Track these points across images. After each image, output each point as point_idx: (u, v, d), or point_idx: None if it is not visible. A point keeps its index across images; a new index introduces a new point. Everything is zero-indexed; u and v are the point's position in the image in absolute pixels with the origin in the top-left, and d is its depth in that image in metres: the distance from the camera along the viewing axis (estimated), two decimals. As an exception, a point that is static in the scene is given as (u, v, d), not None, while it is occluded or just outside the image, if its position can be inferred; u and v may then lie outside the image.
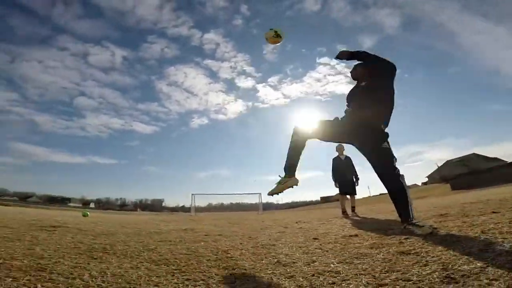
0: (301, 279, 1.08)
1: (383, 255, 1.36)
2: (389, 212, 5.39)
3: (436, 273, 0.98)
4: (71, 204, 72.49)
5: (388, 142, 2.20)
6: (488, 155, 39.89)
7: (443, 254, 1.23)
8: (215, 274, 1.21)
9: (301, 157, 2.29)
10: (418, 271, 1.03)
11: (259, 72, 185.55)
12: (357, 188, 5.71)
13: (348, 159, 5.88)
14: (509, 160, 31.35)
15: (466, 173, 30.25)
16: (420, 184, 47.34)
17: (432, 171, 45.94)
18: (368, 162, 2.26)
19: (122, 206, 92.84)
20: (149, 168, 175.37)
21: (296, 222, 4.47)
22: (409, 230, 1.91)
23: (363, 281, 0.99)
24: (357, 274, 1.07)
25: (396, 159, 2.17)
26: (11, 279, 0.98)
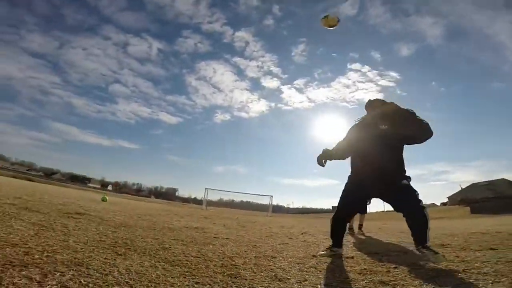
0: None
1: (365, 282, 1.51)
2: (397, 232, 5.38)
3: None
4: (91, 185, 76.37)
5: (408, 181, 2.16)
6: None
7: (424, 290, 1.36)
8: (220, 280, 1.42)
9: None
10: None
11: (285, 73, 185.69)
12: (368, 207, 5.74)
13: None
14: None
15: (490, 197, 28.81)
16: (439, 204, 45.34)
17: (454, 192, 43.99)
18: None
19: (138, 191, 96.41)
20: (168, 156, 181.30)
21: (301, 234, 4.61)
22: (422, 254, 1.93)
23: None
24: None
25: (418, 193, 2.12)
26: (59, 273, 1.20)
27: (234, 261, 1.94)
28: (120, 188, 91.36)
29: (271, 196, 21.35)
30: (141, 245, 2.10)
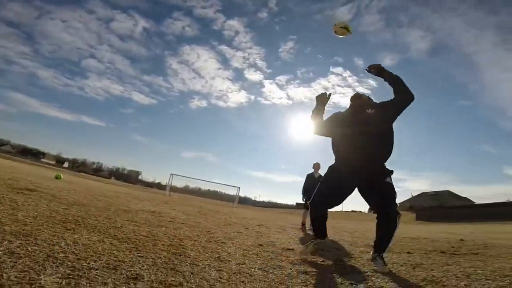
0: (224, 273, 1.44)
1: (292, 271, 1.74)
2: (343, 231, 5.87)
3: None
4: (44, 160, 70.38)
5: (391, 178, 2.11)
6: (461, 194, 42.28)
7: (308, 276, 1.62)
8: (163, 256, 1.55)
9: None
10: None
11: (270, 68, 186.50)
12: None
13: (319, 178, 6.30)
14: (476, 202, 33.57)
15: (434, 206, 32.12)
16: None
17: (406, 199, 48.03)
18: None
19: (97, 171, 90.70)
20: (135, 137, 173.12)
21: (259, 225, 4.87)
22: (374, 261, 1.99)
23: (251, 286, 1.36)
24: (252, 281, 1.44)
25: (396, 195, 2.10)
26: (6, 242, 1.24)
27: (183, 242, 2.07)
28: (78, 166, 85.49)
29: (239, 187, 21.48)
30: (92, 223, 2.13)
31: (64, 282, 0.94)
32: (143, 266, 1.30)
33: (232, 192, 22.43)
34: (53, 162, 72.89)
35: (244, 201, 53.91)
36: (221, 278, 1.36)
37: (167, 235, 2.27)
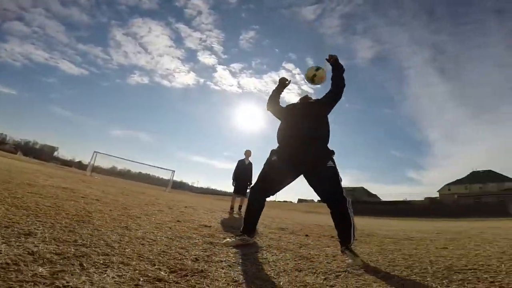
0: (126, 238, 1.59)
1: (188, 241, 1.99)
2: (271, 218, 6.27)
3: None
4: None
5: (333, 160, 2.13)
6: (371, 191, 50.06)
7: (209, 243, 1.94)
8: (65, 223, 1.61)
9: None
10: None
11: (226, 54, 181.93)
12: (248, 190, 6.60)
13: (250, 164, 6.72)
14: (383, 199, 40.22)
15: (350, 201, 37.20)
16: (316, 200, 54.81)
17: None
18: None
19: (-1, 144, 74.48)
20: (54, 109, 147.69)
21: (185, 207, 4.89)
22: (344, 254, 1.97)
23: (151, 258, 1.57)
24: (153, 244, 1.65)
25: (341, 179, 2.10)
26: None
27: (91, 214, 2.10)
28: (-29, 136, 68.66)
29: (173, 171, 20.47)
30: (-17, 191, 1.97)
31: None
32: (39, 227, 1.36)
33: (167, 176, 21.39)
34: None
35: (180, 186, 52.16)
36: (121, 240, 1.51)
37: (76, 208, 2.24)
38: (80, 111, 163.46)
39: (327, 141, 2.20)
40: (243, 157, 6.74)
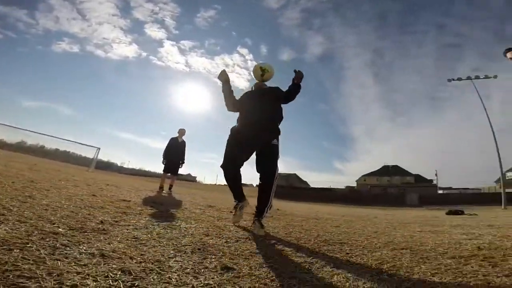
0: (28, 204, 1.61)
1: (94, 209, 2.08)
2: (205, 198, 6.46)
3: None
4: None
5: (278, 139, 2.38)
6: (303, 179, 54.79)
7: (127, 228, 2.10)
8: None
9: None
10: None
11: (177, 30, 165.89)
12: (179, 170, 6.56)
13: (183, 143, 6.56)
14: (312, 186, 44.42)
15: (284, 186, 40.15)
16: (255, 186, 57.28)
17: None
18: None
19: None
20: None
21: (107, 185, 4.61)
22: (253, 224, 2.15)
23: (79, 229, 1.64)
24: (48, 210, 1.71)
25: (278, 157, 2.34)
26: None
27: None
28: None
29: (99, 148, 18.24)
30: None
31: None
32: None
33: (91, 155, 19.11)
34: None
35: (107, 167, 47.13)
36: (21, 206, 1.52)
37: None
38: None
39: (279, 123, 2.47)
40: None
